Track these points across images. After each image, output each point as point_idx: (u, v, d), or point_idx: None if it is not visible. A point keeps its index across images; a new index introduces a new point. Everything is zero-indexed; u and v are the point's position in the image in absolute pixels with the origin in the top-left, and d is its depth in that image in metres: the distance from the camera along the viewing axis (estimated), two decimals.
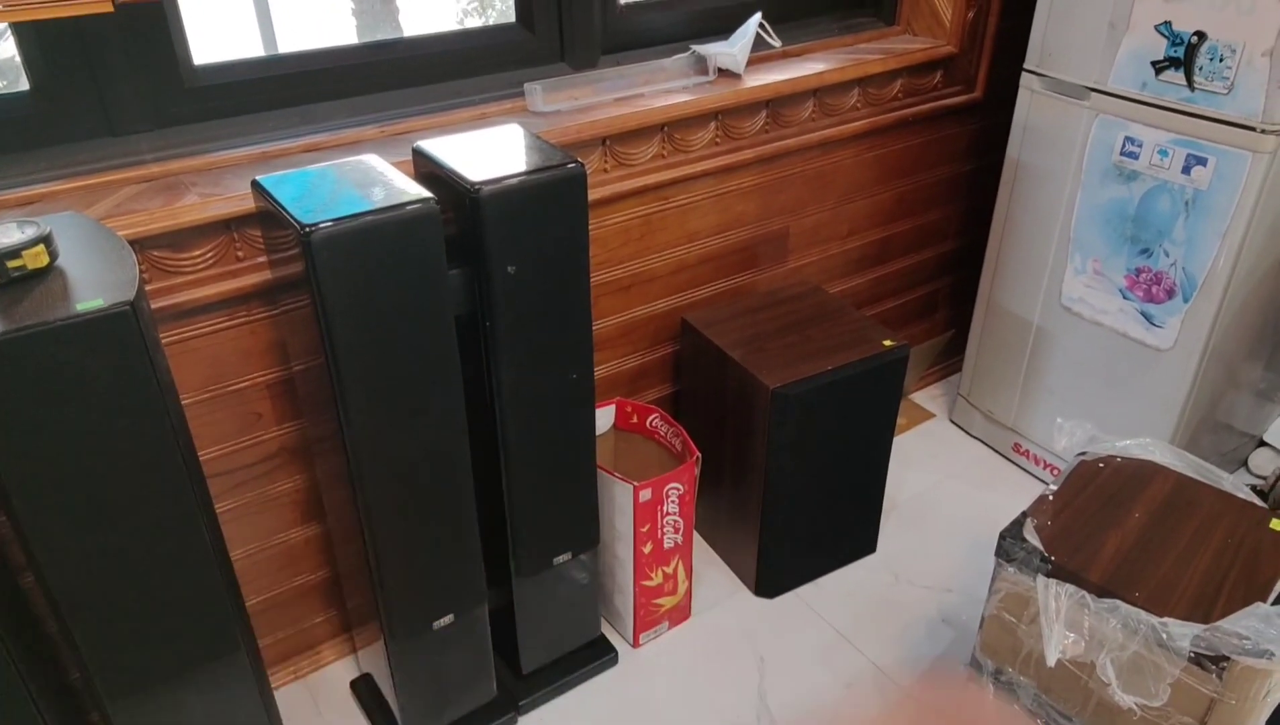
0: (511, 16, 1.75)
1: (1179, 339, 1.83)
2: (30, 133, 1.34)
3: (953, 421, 2.41)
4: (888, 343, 1.79)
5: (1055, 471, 2.15)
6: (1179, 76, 1.69)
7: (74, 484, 0.99)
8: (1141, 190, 1.80)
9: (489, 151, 1.33)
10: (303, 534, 1.65)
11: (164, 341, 1.34)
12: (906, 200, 2.24)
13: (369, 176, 1.24)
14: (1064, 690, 1.32)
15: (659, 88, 1.75)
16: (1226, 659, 1.14)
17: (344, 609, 1.76)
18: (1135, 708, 1.23)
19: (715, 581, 1.95)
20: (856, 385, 1.75)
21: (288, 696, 1.71)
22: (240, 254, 1.38)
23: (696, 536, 2.02)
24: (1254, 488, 1.75)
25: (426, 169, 1.35)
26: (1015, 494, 2.14)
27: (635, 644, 1.80)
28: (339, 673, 1.76)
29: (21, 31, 1.29)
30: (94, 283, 0.98)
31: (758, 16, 1.85)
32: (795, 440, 1.73)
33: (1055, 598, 1.27)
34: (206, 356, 1.42)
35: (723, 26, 1.90)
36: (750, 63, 1.85)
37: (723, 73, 1.82)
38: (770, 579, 1.90)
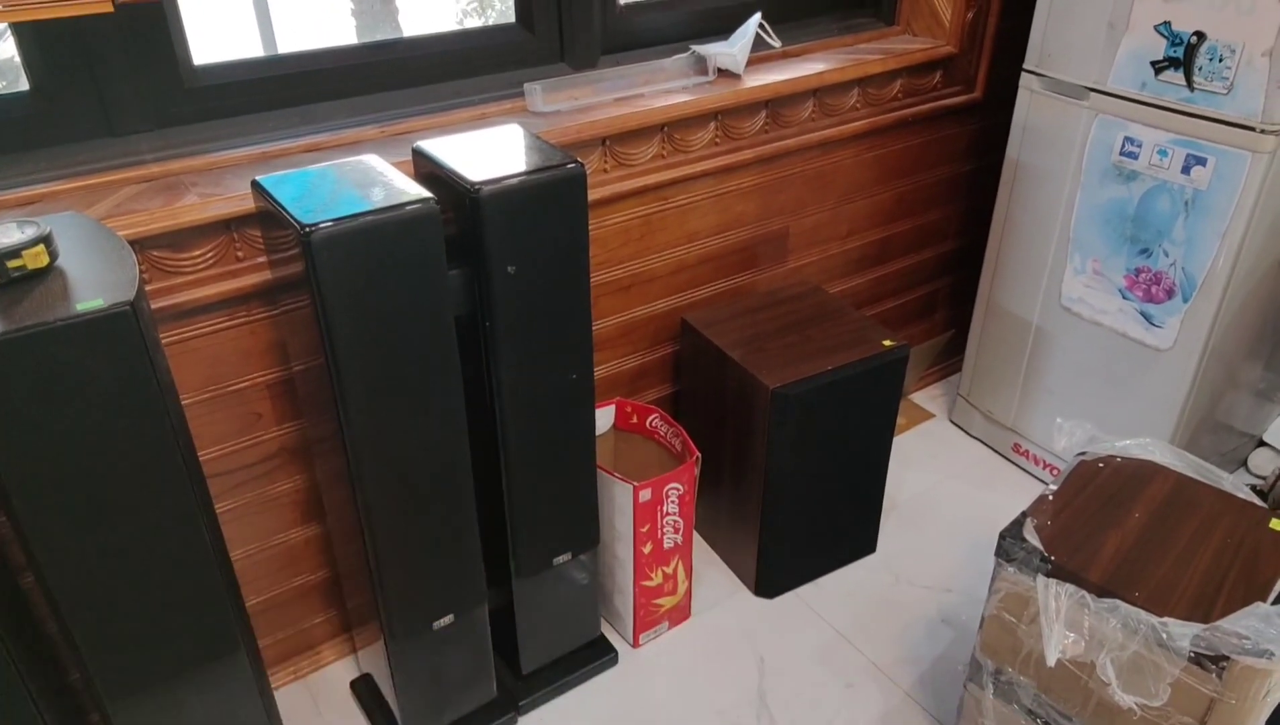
0: (511, 17, 1.75)
1: (1178, 339, 1.83)
2: (30, 133, 1.34)
3: (952, 421, 2.41)
4: (887, 343, 1.79)
5: (1055, 471, 2.15)
6: (1178, 76, 1.69)
7: (74, 484, 0.99)
8: (1141, 190, 1.80)
9: (489, 152, 1.33)
10: (302, 534, 1.65)
11: (164, 341, 1.34)
12: (906, 200, 2.24)
13: (369, 176, 1.24)
14: (1064, 690, 1.32)
15: (659, 88, 1.75)
16: (1226, 659, 1.14)
17: (344, 609, 1.76)
18: (1135, 708, 1.23)
19: (715, 581, 1.95)
20: (856, 385, 1.75)
21: (288, 697, 1.71)
22: (240, 254, 1.38)
23: (696, 536, 2.02)
24: (1254, 487, 1.75)
25: (426, 169, 1.35)
26: (1015, 494, 2.14)
27: (635, 644, 1.80)
28: (339, 673, 1.76)
29: (21, 32, 1.29)
30: (94, 283, 0.98)
31: (757, 17, 1.85)
32: (795, 440, 1.73)
33: (1055, 598, 1.26)
34: (206, 357, 1.42)
35: (722, 27, 1.91)
36: (750, 63, 1.85)
37: (722, 73, 1.82)
38: (770, 579, 1.90)
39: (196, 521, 1.10)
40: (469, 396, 1.33)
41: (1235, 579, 1.25)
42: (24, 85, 1.34)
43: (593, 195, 1.62)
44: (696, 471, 1.71)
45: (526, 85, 1.64)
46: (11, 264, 0.97)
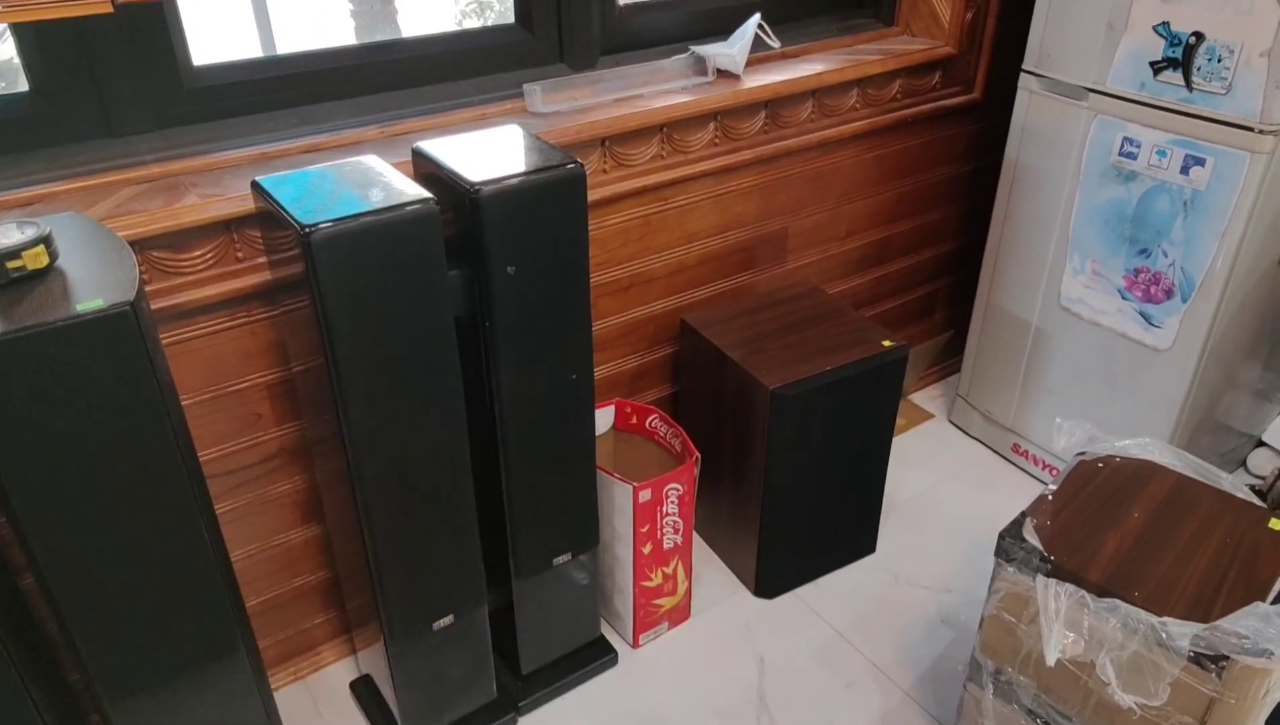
0: (510, 17, 1.75)
1: (1177, 339, 1.83)
2: (30, 133, 1.34)
3: (952, 422, 2.41)
4: (887, 343, 1.79)
5: (1054, 472, 2.16)
6: (1177, 77, 1.69)
7: (74, 485, 0.99)
8: (1140, 190, 1.80)
9: (488, 152, 1.33)
10: (302, 535, 1.65)
11: (164, 342, 1.34)
12: (905, 201, 2.24)
13: (368, 177, 1.24)
14: (1063, 690, 1.32)
15: (658, 88, 1.75)
16: (1226, 658, 1.14)
17: (344, 610, 1.76)
18: (1135, 707, 1.23)
19: (715, 582, 1.95)
20: (856, 386, 1.75)
21: (288, 698, 1.71)
22: (240, 255, 1.38)
23: (696, 537, 2.02)
24: (1253, 487, 1.75)
25: (426, 170, 1.35)
26: (1014, 494, 2.15)
27: (635, 644, 1.80)
28: (339, 674, 1.76)
29: (21, 32, 1.29)
30: (94, 283, 0.98)
31: (757, 17, 1.85)
32: (794, 441, 1.73)
33: (1055, 597, 1.27)
34: (206, 357, 1.42)
35: (722, 27, 1.91)
36: (749, 63, 1.85)
37: (722, 73, 1.82)
38: (770, 579, 1.90)
39: (196, 522, 1.10)
40: (469, 397, 1.33)
41: (1234, 579, 1.25)
42: (24, 86, 1.34)
43: (592, 196, 1.62)
44: (696, 472, 1.71)
45: (526, 86, 1.65)
46: (11, 264, 0.97)
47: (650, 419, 1.81)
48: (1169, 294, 1.82)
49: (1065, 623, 1.27)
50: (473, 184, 1.23)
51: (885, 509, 2.02)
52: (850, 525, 1.96)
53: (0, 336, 0.89)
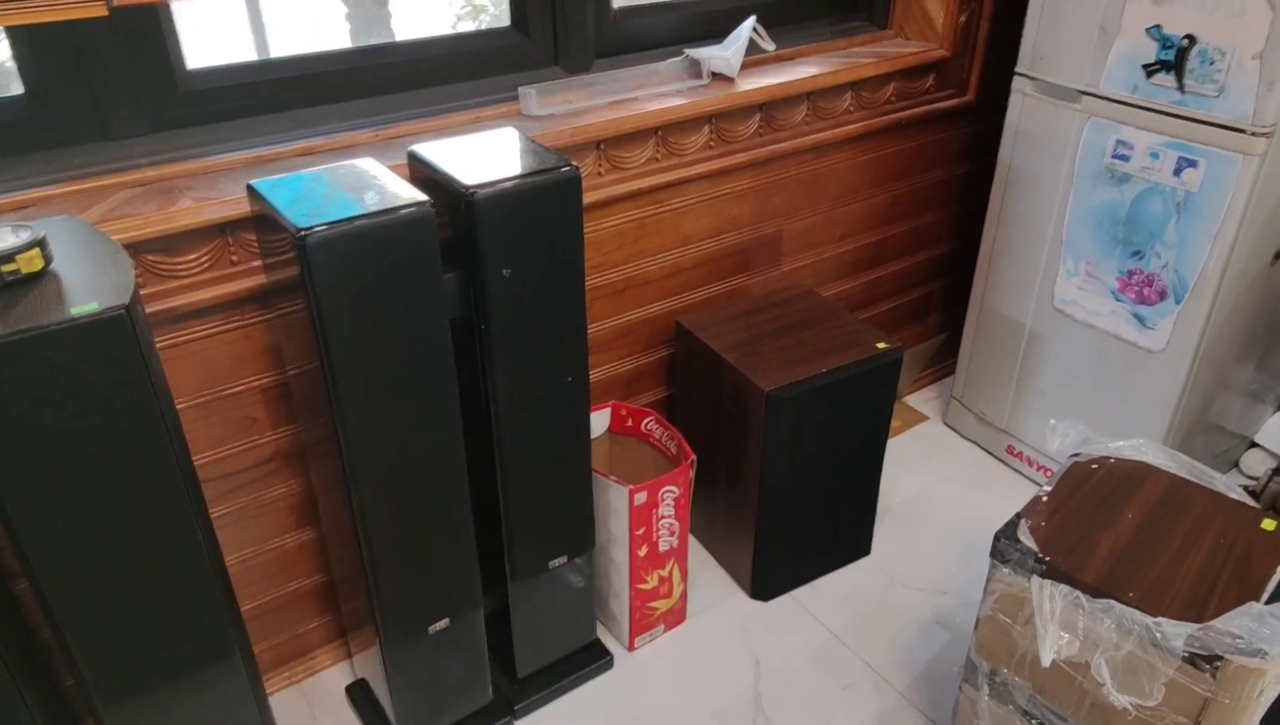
0: (505, 20, 1.75)
1: (1171, 341, 1.84)
2: (24, 137, 1.34)
3: (946, 424, 2.42)
4: (881, 346, 1.79)
5: (1048, 473, 2.16)
6: (1170, 79, 1.70)
7: (68, 488, 0.99)
8: (1133, 192, 1.81)
9: (484, 155, 1.33)
10: (297, 539, 1.65)
11: (159, 345, 1.33)
12: (900, 203, 2.25)
13: (364, 180, 1.24)
14: (1059, 691, 1.32)
15: (653, 91, 1.75)
16: (1220, 658, 1.14)
17: (339, 614, 1.76)
18: (1130, 708, 1.23)
19: (711, 584, 1.95)
20: (850, 388, 1.76)
21: (283, 702, 1.71)
22: (235, 258, 1.38)
23: (692, 539, 2.02)
24: (1246, 488, 1.76)
25: (421, 173, 1.35)
26: (1009, 496, 2.15)
27: (631, 647, 1.80)
28: (334, 678, 1.76)
29: (15, 35, 1.29)
30: (89, 287, 0.98)
31: (751, 20, 1.85)
32: (790, 443, 1.74)
33: (1050, 598, 1.27)
34: (201, 360, 1.42)
35: (716, 30, 1.91)
36: (744, 66, 1.85)
37: (716, 76, 1.82)
38: (765, 581, 1.90)
39: (191, 526, 1.10)
40: (464, 400, 1.33)
41: (1228, 579, 1.26)
42: (18, 89, 1.33)
43: (587, 199, 1.62)
44: (692, 474, 1.71)
45: (521, 89, 1.65)
46: (6, 268, 0.96)
47: (646, 421, 1.81)
48: (1162, 296, 1.82)
49: (1060, 623, 1.27)
50: (468, 187, 1.24)
51: (880, 511, 2.02)
52: (846, 527, 1.97)
53: None
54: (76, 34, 1.30)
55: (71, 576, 1.03)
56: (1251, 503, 1.40)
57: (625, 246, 1.80)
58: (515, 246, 1.29)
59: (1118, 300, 1.90)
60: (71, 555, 1.02)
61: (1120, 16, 1.73)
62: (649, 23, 1.88)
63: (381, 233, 1.14)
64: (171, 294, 1.34)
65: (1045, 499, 1.40)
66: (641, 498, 1.63)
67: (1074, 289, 1.97)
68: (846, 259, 2.23)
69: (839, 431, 1.80)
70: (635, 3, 1.87)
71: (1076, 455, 1.50)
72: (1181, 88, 1.69)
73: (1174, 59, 1.68)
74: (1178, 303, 1.80)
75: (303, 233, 1.09)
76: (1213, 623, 1.16)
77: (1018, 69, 1.95)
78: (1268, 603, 1.22)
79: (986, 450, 2.32)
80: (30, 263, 0.98)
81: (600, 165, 1.69)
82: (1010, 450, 2.25)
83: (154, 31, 1.36)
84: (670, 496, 1.67)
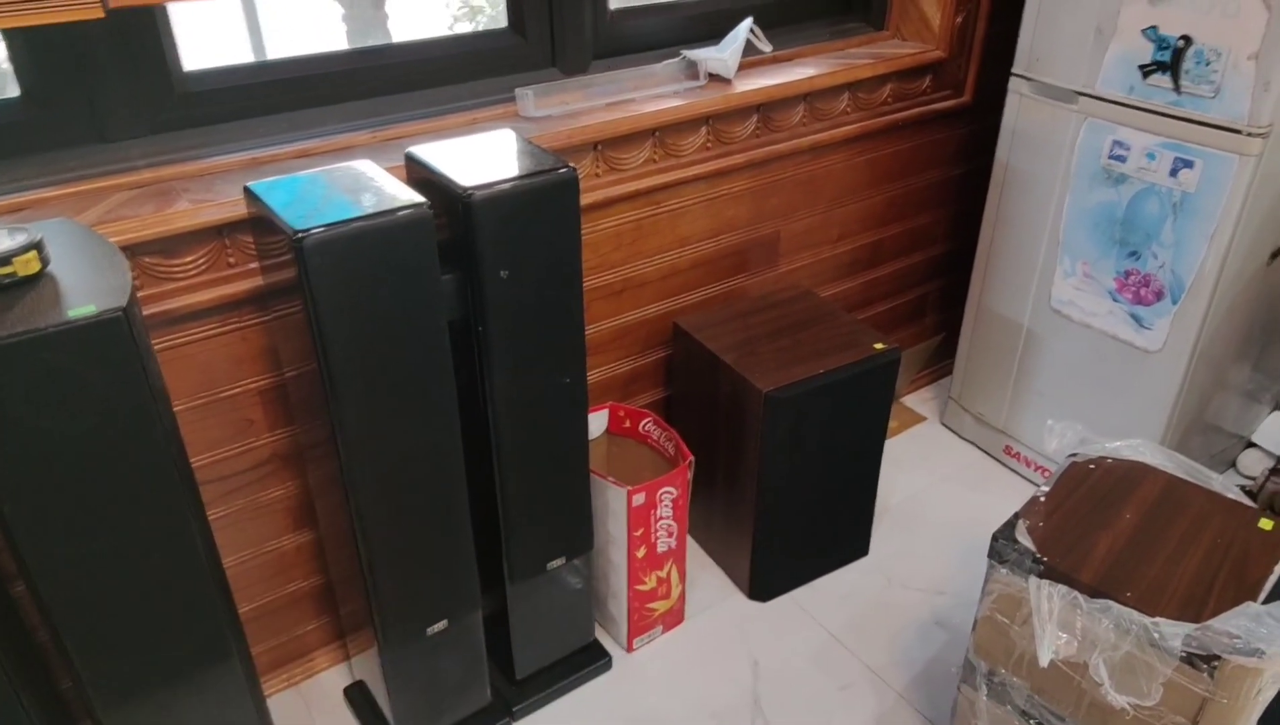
0: (502, 22, 1.75)
1: (1168, 341, 1.84)
2: (21, 138, 1.34)
3: (944, 424, 2.42)
4: (879, 346, 1.80)
5: (1046, 473, 2.16)
6: (1166, 80, 1.70)
7: (66, 491, 0.99)
8: (1130, 193, 1.81)
9: (481, 156, 1.33)
10: (295, 541, 1.65)
11: (156, 347, 1.33)
12: (897, 204, 2.25)
13: (361, 182, 1.24)
14: (1057, 691, 1.32)
15: (650, 93, 1.75)
16: (1218, 658, 1.15)
17: (337, 616, 1.75)
18: (1128, 708, 1.24)
19: (709, 585, 1.95)
20: (848, 389, 1.76)
21: (281, 704, 1.71)
22: (232, 260, 1.38)
23: (690, 540, 2.02)
24: (1243, 488, 1.76)
25: (419, 174, 1.35)
26: (1006, 496, 2.15)
27: (629, 648, 1.80)
28: (332, 680, 1.76)
29: (11, 37, 1.29)
30: (86, 289, 0.98)
31: (748, 21, 1.85)
32: (787, 444, 1.74)
33: (1047, 598, 1.27)
34: (198, 363, 1.41)
35: (713, 31, 1.91)
36: (741, 68, 1.85)
37: (713, 78, 1.83)
38: (764, 582, 1.90)
39: (189, 528, 1.10)
40: (462, 401, 1.33)
41: (1225, 579, 1.26)
42: (14, 91, 1.33)
43: (584, 200, 1.62)
44: (690, 475, 1.71)
45: (518, 90, 1.65)
46: (2, 271, 0.96)
47: (644, 423, 1.81)
48: (1159, 296, 1.83)
49: (1058, 624, 1.27)
50: (465, 188, 1.23)
51: (878, 512, 2.02)
52: (844, 528, 1.97)
53: None
54: (73, 35, 1.30)
55: (69, 578, 1.03)
56: (1249, 502, 1.40)
57: (623, 248, 1.80)
58: (513, 248, 1.29)
59: (1115, 300, 1.90)
60: (69, 557, 1.02)
61: (1116, 17, 1.73)
62: (646, 24, 1.88)
63: (379, 234, 1.14)
64: (169, 296, 1.34)
65: (1043, 499, 1.40)
66: (639, 499, 1.63)
67: (1071, 289, 1.98)
68: (844, 260, 2.23)
69: (837, 432, 1.80)
70: (632, 4, 1.87)
71: (1074, 455, 1.50)
72: (1178, 88, 1.69)
73: (1170, 60, 1.68)
74: (1174, 303, 1.80)
75: (300, 235, 1.09)
76: (1210, 622, 1.17)
77: (1014, 70, 1.95)
78: (1265, 602, 1.22)
79: (984, 450, 2.32)
80: (27, 265, 0.98)
81: (597, 166, 1.69)
82: (1008, 450, 2.25)
83: (151, 33, 1.36)
84: (668, 497, 1.67)
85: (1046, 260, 2.00)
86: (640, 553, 1.69)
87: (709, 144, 1.82)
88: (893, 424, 2.35)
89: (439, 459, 1.33)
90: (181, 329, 1.38)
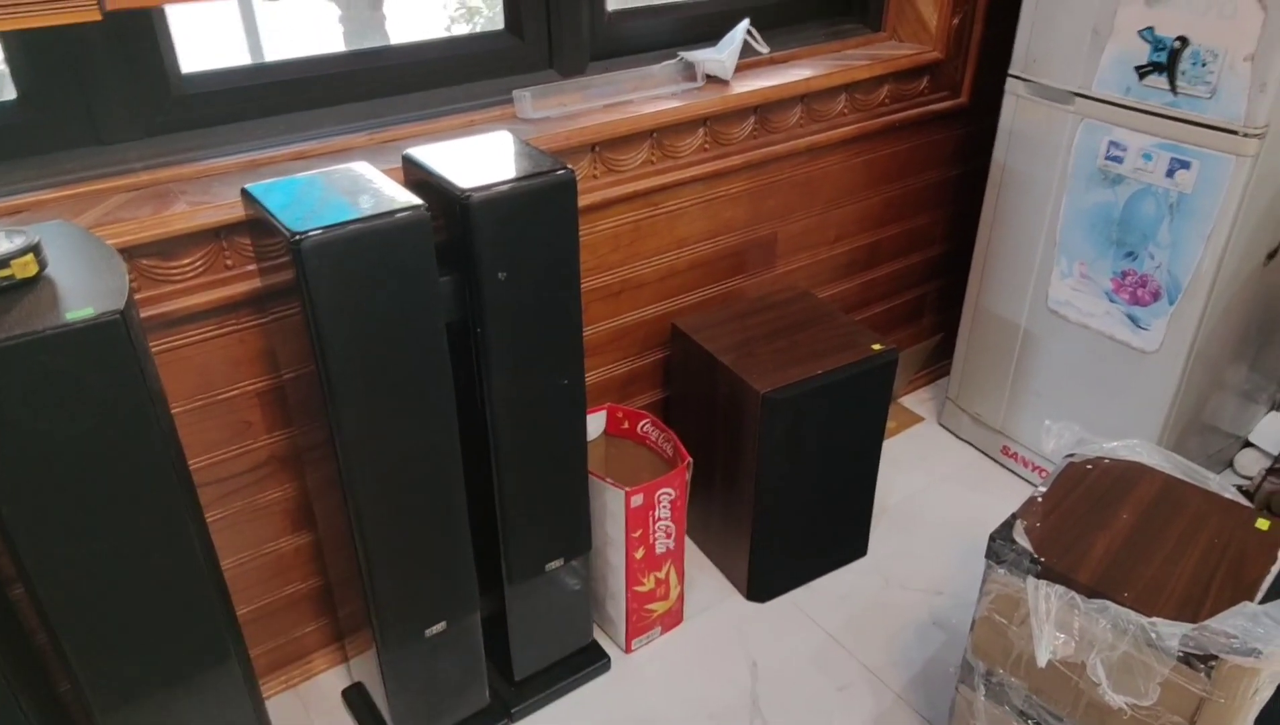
0: (499, 23, 1.76)
1: (1165, 341, 1.84)
2: (18, 141, 1.33)
3: (941, 425, 2.42)
4: (876, 347, 1.80)
5: (1043, 473, 2.17)
6: (1162, 81, 1.70)
7: (64, 493, 0.99)
8: (1126, 194, 1.82)
9: (479, 158, 1.34)
10: (293, 543, 1.65)
11: (154, 350, 1.33)
12: (894, 205, 2.25)
13: (358, 184, 1.24)
14: (1055, 691, 1.32)
15: (647, 94, 1.75)
16: (1215, 658, 1.15)
17: (335, 617, 1.75)
18: (1125, 707, 1.24)
19: (707, 586, 1.95)
20: (846, 389, 1.76)
21: (279, 706, 1.71)
22: (229, 262, 1.38)
23: (688, 541, 2.02)
24: (1240, 488, 1.77)
25: (416, 176, 1.35)
26: (1004, 496, 2.15)
27: (628, 650, 1.80)
28: (331, 682, 1.76)
29: (8, 39, 1.29)
30: (83, 292, 0.98)
31: (745, 23, 1.86)
32: (786, 444, 1.74)
33: (1045, 599, 1.27)
34: (196, 365, 1.41)
35: (710, 33, 1.91)
36: (738, 69, 1.85)
37: (711, 79, 1.83)
38: (762, 583, 1.91)
39: (187, 530, 1.10)
40: (460, 402, 1.33)
41: (1223, 579, 1.26)
42: (11, 93, 1.33)
43: (582, 201, 1.62)
44: (688, 476, 1.71)
45: (515, 92, 1.65)
46: (0, 273, 0.96)
47: (642, 424, 1.81)
48: (1156, 296, 1.83)
49: (1056, 624, 1.27)
50: (463, 190, 1.24)
51: (876, 512, 2.02)
52: (842, 528, 1.97)
53: None
54: (70, 38, 1.30)
55: (67, 581, 1.03)
56: (1245, 502, 1.40)
57: (620, 249, 1.81)
58: (511, 250, 1.29)
59: (1112, 301, 1.91)
60: (67, 559, 1.02)
61: (1113, 19, 1.74)
62: (643, 25, 1.88)
63: (376, 236, 1.14)
64: (166, 298, 1.34)
65: (1040, 499, 1.40)
66: (638, 500, 1.63)
67: (1068, 290, 1.98)
68: (841, 261, 2.23)
69: (835, 433, 1.80)
70: (630, 5, 1.88)
71: (1071, 456, 1.50)
72: (1174, 89, 1.69)
73: (1166, 61, 1.69)
74: (1171, 303, 1.81)
75: (298, 237, 1.09)
76: (1207, 622, 1.17)
77: (1011, 71, 1.95)
78: (1262, 602, 1.22)
79: (982, 451, 2.32)
80: (24, 268, 0.98)
81: (595, 168, 1.69)
82: (1005, 451, 2.26)
83: (148, 36, 1.36)
84: (666, 499, 1.67)
85: (1044, 261, 2.01)
86: (638, 554, 1.69)
87: (706, 145, 1.82)
88: (891, 424, 2.35)
89: (437, 460, 1.33)
90: (179, 331, 1.38)
